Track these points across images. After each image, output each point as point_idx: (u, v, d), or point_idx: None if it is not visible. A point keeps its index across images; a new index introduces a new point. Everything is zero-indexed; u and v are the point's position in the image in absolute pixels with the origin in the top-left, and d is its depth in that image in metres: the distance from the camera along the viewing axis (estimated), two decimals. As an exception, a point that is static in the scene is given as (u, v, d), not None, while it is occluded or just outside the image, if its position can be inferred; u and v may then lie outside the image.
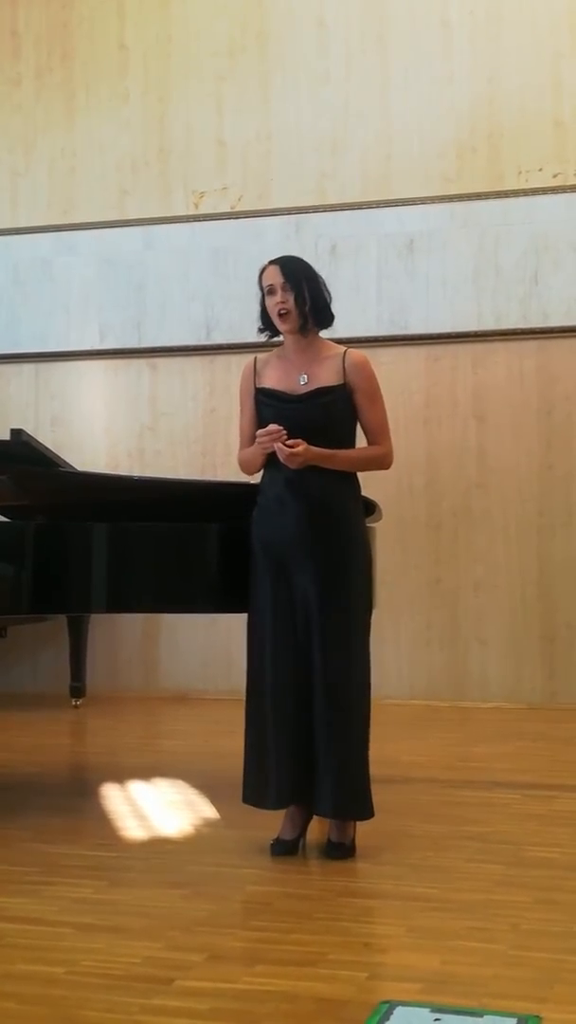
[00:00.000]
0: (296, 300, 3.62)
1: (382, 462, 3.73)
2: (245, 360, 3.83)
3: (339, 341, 3.81)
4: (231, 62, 6.85)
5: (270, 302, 3.65)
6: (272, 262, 3.69)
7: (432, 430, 6.48)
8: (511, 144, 6.42)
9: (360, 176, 6.63)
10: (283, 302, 3.62)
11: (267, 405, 3.65)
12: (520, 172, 6.40)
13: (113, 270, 6.95)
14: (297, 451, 3.50)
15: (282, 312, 3.62)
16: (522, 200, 6.38)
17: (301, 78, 6.74)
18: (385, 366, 3.79)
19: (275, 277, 3.64)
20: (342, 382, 3.64)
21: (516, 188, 6.39)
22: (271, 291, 3.64)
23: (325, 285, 3.71)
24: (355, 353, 3.70)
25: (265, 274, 3.67)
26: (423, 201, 6.50)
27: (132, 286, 6.92)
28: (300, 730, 3.54)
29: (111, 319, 6.95)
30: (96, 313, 6.97)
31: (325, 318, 3.71)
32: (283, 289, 3.62)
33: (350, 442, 3.70)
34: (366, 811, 3.58)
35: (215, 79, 6.87)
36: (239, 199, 6.80)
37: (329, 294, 3.70)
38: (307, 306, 3.63)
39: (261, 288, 3.68)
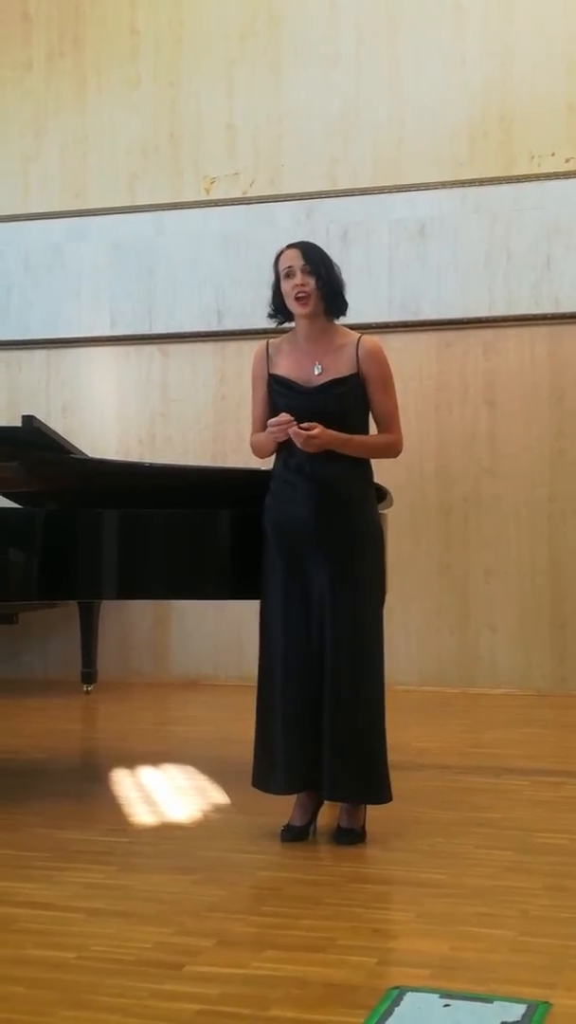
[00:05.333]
0: (316, 284, 3.61)
1: (392, 450, 3.73)
2: (255, 346, 3.82)
3: (350, 327, 3.80)
4: (242, 46, 6.82)
5: (287, 285, 3.63)
6: (291, 246, 3.68)
7: (443, 416, 6.47)
8: (523, 128, 6.39)
9: (371, 161, 6.60)
10: (303, 285, 3.60)
11: (281, 395, 3.65)
12: (532, 156, 6.37)
13: (124, 256, 6.94)
14: (314, 434, 3.49)
15: (300, 295, 3.60)
16: (534, 185, 6.35)
17: (312, 62, 6.71)
18: (396, 352, 3.78)
19: (295, 260, 3.62)
20: (355, 371, 3.63)
21: (528, 173, 6.36)
22: (289, 274, 3.62)
23: (340, 273, 3.70)
24: (369, 340, 3.69)
25: (283, 257, 3.65)
26: (434, 186, 6.47)
27: (143, 272, 6.91)
28: (311, 716, 3.55)
29: (122, 305, 6.94)
30: (107, 299, 6.96)
31: (340, 306, 3.70)
32: (303, 272, 3.60)
33: (364, 430, 3.70)
34: (383, 795, 3.59)
35: (226, 63, 6.84)
36: (250, 184, 6.78)
37: (344, 282, 3.70)
38: (325, 292, 3.62)
39: (276, 272, 3.66)
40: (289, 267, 3.63)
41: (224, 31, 6.84)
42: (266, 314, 3.77)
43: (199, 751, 4.97)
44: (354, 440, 3.61)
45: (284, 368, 3.67)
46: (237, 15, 6.82)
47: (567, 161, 6.32)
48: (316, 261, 3.63)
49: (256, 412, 3.74)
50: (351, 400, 3.63)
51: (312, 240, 3.85)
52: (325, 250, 3.72)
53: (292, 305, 3.64)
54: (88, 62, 7.07)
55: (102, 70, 7.05)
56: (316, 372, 3.63)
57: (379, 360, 3.67)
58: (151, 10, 6.97)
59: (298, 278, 3.61)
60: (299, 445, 3.52)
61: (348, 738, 3.53)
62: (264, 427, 3.64)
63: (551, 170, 6.33)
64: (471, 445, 6.44)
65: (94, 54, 7.06)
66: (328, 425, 3.53)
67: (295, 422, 3.51)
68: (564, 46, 6.35)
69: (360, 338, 3.68)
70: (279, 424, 3.53)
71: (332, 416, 3.57)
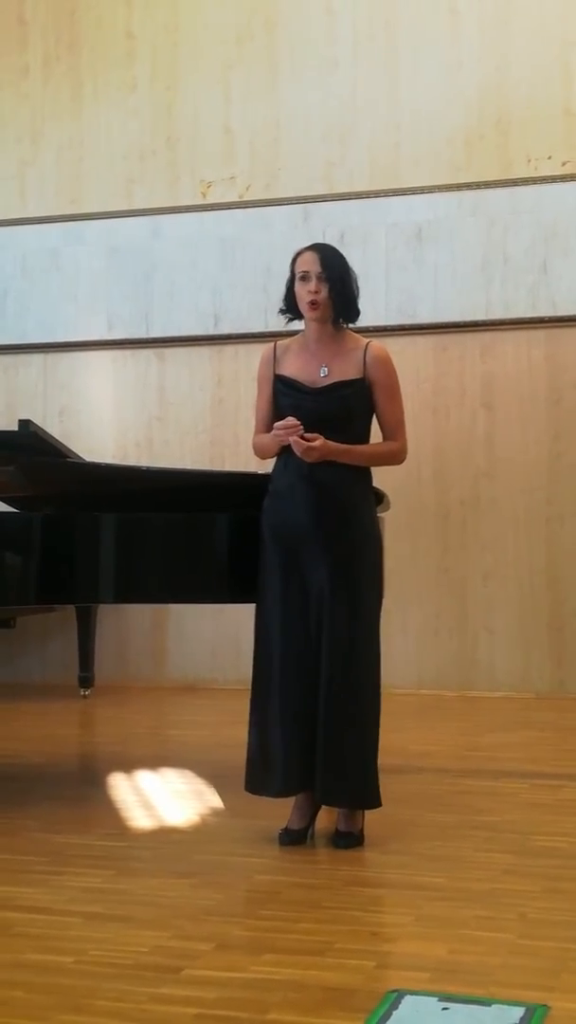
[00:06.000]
0: (330, 292, 3.59)
1: (396, 458, 3.72)
2: (253, 349, 3.84)
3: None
4: (239, 50, 6.83)
5: (301, 289, 3.61)
6: (310, 248, 3.66)
7: (440, 419, 6.47)
8: (520, 132, 6.39)
9: (368, 164, 6.61)
10: (316, 292, 3.59)
11: (285, 395, 3.64)
12: (529, 160, 6.38)
13: (121, 260, 6.94)
14: (314, 445, 3.49)
15: (313, 302, 3.60)
16: (531, 188, 6.35)
17: (309, 65, 6.72)
18: (394, 355, 3.76)
19: (312, 265, 3.60)
20: (362, 376, 3.62)
21: (525, 176, 6.37)
22: (305, 277, 3.61)
23: (356, 280, 3.68)
24: (377, 347, 3.68)
25: (301, 259, 3.64)
26: (431, 190, 6.48)
27: (140, 276, 6.91)
28: (307, 719, 3.54)
29: (119, 309, 6.94)
30: (104, 303, 6.97)
31: (352, 313, 3.68)
32: (318, 278, 3.59)
33: (367, 436, 3.69)
34: (373, 800, 3.58)
35: (223, 67, 6.85)
36: (247, 188, 6.78)
37: (358, 289, 3.68)
38: (338, 299, 3.61)
39: (293, 271, 3.65)
40: (305, 271, 3.61)
41: (221, 35, 6.85)
42: (277, 311, 3.76)
43: (197, 755, 4.96)
44: (355, 450, 3.60)
45: (291, 369, 3.67)
46: (234, 19, 6.83)
47: (564, 165, 6.33)
48: (333, 268, 3.61)
49: (260, 413, 3.74)
50: (355, 403, 3.62)
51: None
52: (344, 256, 3.69)
53: (304, 309, 3.64)
54: (84, 66, 7.08)
55: (98, 74, 7.06)
56: (322, 374, 3.63)
57: (386, 366, 3.66)
58: (147, 14, 6.98)
59: (312, 284, 3.60)
60: (298, 454, 3.52)
61: (344, 742, 3.52)
62: (268, 428, 3.64)
63: (548, 174, 6.34)
64: (468, 448, 6.44)
65: (90, 58, 7.07)
66: (331, 427, 3.53)
67: (302, 428, 3.50)
68: (560, 50, 6.36)
69: (369, 344, 3.68)
70: (286, 428, 3.52)
71: (335, 418, 3.57)
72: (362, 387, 3.63)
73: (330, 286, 3.59)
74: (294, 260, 3.66)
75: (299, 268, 3.63)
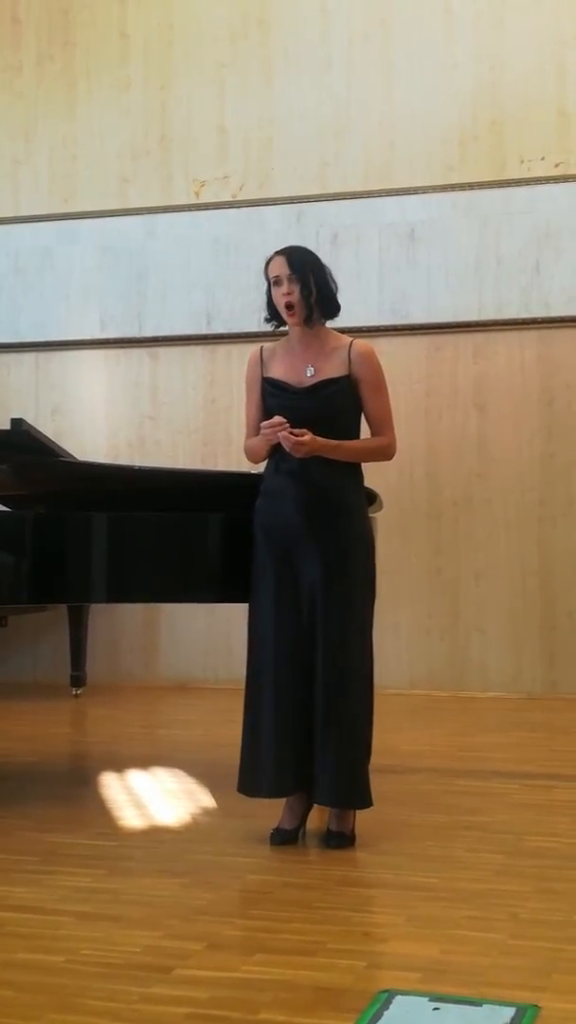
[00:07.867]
0: (302, 291, 3.61)
1: (385, 453, 3.73)
2: (246, 349, 3.83)
3: (340, 330, 3.80)
4: (233, 49, 6.83)
5: (276, 293, 3.64)
6: (278, 253, 3.68)
7: (433, 420, 6.48)
8: (514, 132, 6.40)
9: (362, 164, 6.61)
10: (289, 294, 3.61)
11: (273, 396, 3.66)
12: (522, 161, 6.38)
13: (114, 259, 6.94)
14: (303, 440, 3.50)
15: (288, 304, 3.62)
16: (524, 189, 6.36)
17: (303, 65, 6.72)
18: (386, 356, 3.77)
19: (281, 268, 3.63)
20: (347, 373, 3.64)
21: (518, 177, 6.37)
22: (277, 282, 3.64)
23: (331, 275, 3.70)
24: (361, 344, 3.69)
25: (271, 265, 3.66)
26: (425, 190, 6.49)
27: (133, 275, 6.90)
28: (300, 719, 3.54)
29: (112, 308, 6.93)
30: (97, 302, 6.96)
31: (331, 309, 3.70)
32: (289, 280, 3.61)
33: (356, 433, 3.70)
34: (364, 800, 3.58)
35: (216, 66, 6.85)
36: (240, 188, 6.78)
37: (335, 284, 3.70)
38: (313, 297, 3.62)
39: (267, 279, 3.68)
40: (276, 276, 3.64)
41: (214, 34, 6.84)
42: (259, 318, 3.78)
43: (188, 754, 4.96)
44: (344, 445, 3.61)
45: (278, 371, 3.68)
46: (228, 18, 6.82)
47: (557, 166, 6.34)
48: (302, 268, 3.63)
49: (250, 417, 3.75)
50: (341, 401, 3.63)
51: (302, 244, 3.86)
52: (315, 253, 3.72)
53: (282, 313, 3.66)
54: (78, 65, 7.07)
55: (92, 73, 7.05)
56: (308, 374, 3.64)
57: (371, 363, 3.67)
58: (141, 13, 6.98)
59: (285, 287, 3.62)
60: (287, 449, 3.53)
61: (336, 741, 3.52)
62: (258, 432, 3.65)
63: (541, 174, 6.35)
64: (461, 449, 6.45)
65: (84, 57, 7.06)
66: (319, 426, 3.54)
67: (288, 425, 3.51)
68: (554, 51, 6.37)
69: (353, 341, 3.69)
70: (271, 426, 3.53)
71: (322, 416, 3.57)
72: (348, 384, 3.63)
73: (301, 285, 3.61)
74: (266, 268, 3.68)
75: (271, 273, 3.67)
